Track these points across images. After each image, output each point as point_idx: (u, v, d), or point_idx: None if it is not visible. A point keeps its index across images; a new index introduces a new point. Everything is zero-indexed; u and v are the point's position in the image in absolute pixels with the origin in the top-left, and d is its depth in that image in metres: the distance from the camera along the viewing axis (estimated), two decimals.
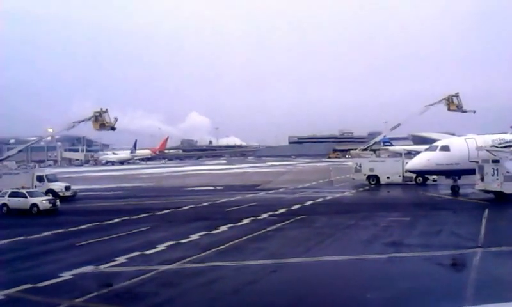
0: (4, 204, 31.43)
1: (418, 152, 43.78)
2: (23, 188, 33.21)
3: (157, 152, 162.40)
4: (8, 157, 49.43)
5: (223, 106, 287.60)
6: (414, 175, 44.11)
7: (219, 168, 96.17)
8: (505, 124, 52.16)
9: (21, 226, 25.86)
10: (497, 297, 7.81)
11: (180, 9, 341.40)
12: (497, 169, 31.35)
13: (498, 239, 19.39)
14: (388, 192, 41.51)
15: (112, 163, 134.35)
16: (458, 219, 26.03)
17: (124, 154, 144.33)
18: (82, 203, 38.62)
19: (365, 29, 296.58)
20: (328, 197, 36.98)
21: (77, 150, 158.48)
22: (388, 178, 46.87)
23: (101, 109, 45.72)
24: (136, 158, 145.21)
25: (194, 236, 21.23)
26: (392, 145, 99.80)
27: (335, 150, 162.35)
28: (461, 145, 36.68)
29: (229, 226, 23.92)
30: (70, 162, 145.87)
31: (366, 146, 63.41)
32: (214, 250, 18.48)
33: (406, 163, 42.04)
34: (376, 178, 47.37)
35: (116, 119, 46.62)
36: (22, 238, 22.16)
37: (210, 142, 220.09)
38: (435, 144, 39.81)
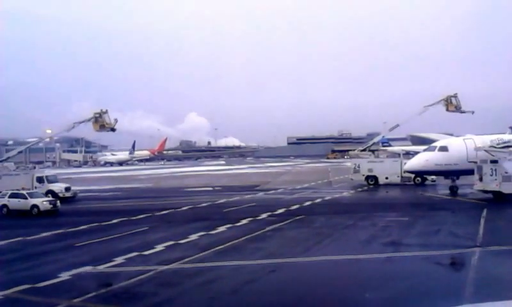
0: (4, 206, 31.39)
1: (416, 152, 43.79)
2: (23, 189, 33.18)
3: (156, 153, 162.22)
4: (8, 158, 49.37)
5: (221, 107, 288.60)
6: (412, 175, 44.12)
7: (217, 169, 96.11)
8: (503, 124, 52.32)
9: (21, 227, 25.87)
10: (495, 296, 7.83)
11: (180, 9, 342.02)
12: (496, 170, 31.43)
13: (496, 239, 19.47)
14: (386, 192, 41.54)
15: (111, 164, 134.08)
16: (457, 219, 26.09)
17: (123, 155, 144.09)
18: (81, 204, 38.58)
19: (364, 29, 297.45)
20: (327, 198, 37.00)
21: (75, 151, 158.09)
22: (386, 178, 46.89)
23: (101, 110, 45.75)
24: (134, 159, 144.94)
25: (193, 237, 21.23)
26: (390, 146, 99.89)
27: (333, 151, 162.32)
28: (460, 145, 36.74)
29: (228, 226, 23.93)
30: (68, 163, 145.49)
31: (365, 147, 63.54)
32: (213, 250, 18.48)
33: (405, 163, 42.04)
34: (375, 178, 47.40)
35: (116, 120, 46.69)
36: (21, 238, 22.18)
37: (209, 143, 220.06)
38: (434, 144, 39.88)
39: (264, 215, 27.26)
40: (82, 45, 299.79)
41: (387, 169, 47.40)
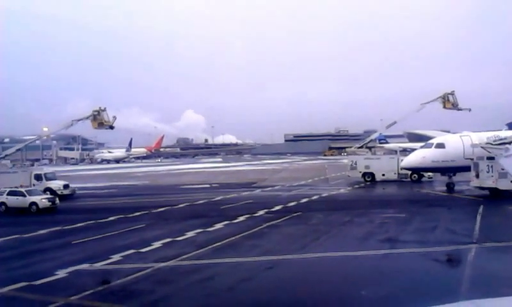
0: (3, 203, 31.33)
1: (413, 149, 43.96)
2: (21, 186, 33.07)
3: (153, 151, 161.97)
4: (6, 155, 49.15)
5: (218, 104, 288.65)
6: (409, 172, 44.24)
7: (214, 166, 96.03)
8: (500, 121, 52.60)
9: (18, 225, 25.81)
10: (492, 292, 7.87)
11: (177, 8, 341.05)
12: (492, 166, 31.55)
13: (492, 235, 19.54)
14: (383, 189, 41.61)
15: (108, 161, 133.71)
16: (453, 215, 26.17)
17: (119, 152, 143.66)
18: (78, 201, 38.53)
19: (361, 27, 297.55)
20: (324, 195, 37.04)
21: (72, 149, 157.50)
22: (383, 175, 47.00)
23: (99, 107, 45.59)
24: (131, 156, 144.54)
25: (190, 234, 21.24)
26: (387, 143, 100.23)
27: (330, 148, 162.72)
28: (456, 142, 36.83)
29: (225, 223, 23.93)
30: (65, 160, 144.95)
31: (362, 144, 63.74)
32: (210, 247, 18.49)
33: (402, 160, 42.15)
34: (372, 175, 47.50)
35: (114, 117, 46.51)
36: (18, 236, 22.14)
37: (206, 140, 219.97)
38: (430, 141, 39.96)
39: (261, 212, 27.30)
40: (79, 44, 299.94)
41: (384, 166, 47.48)
